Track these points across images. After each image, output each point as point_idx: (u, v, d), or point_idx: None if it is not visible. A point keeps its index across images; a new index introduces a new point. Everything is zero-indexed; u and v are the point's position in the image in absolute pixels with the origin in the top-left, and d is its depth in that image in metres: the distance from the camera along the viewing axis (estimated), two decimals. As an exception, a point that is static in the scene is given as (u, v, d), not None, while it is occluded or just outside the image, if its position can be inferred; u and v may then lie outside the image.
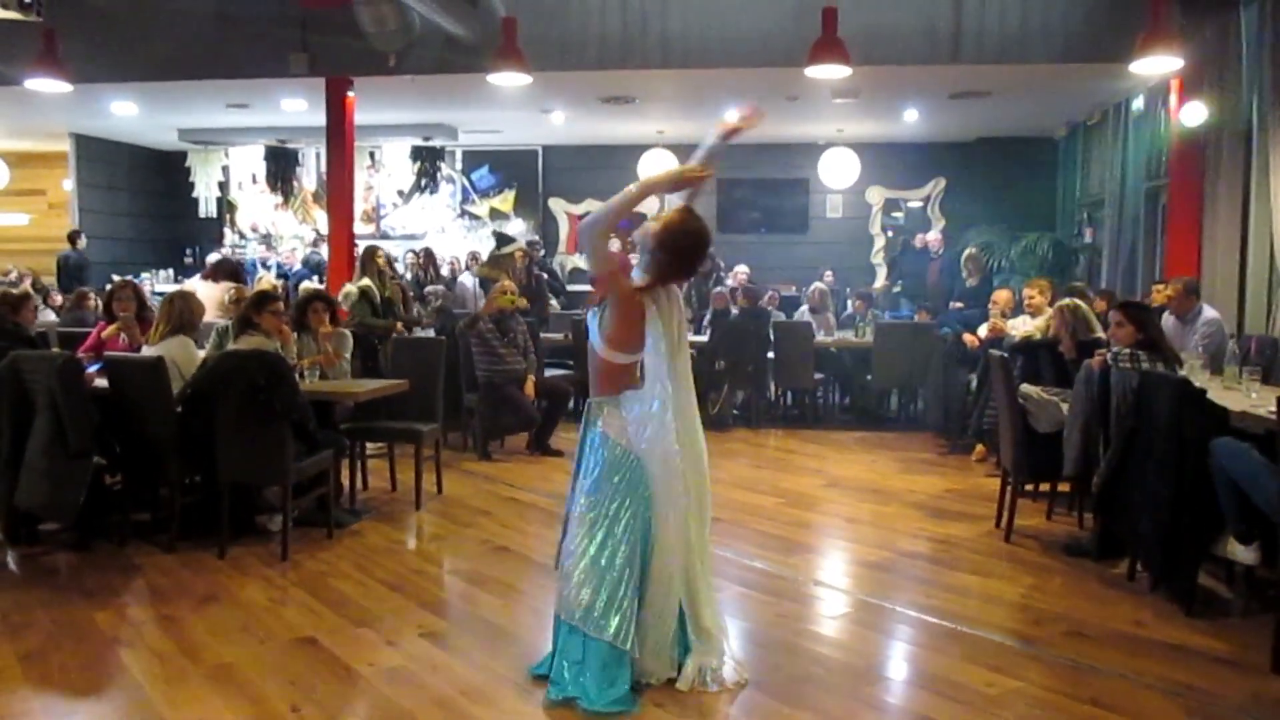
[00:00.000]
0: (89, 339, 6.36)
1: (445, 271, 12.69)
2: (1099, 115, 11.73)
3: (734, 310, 10.01)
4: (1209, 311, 7.10)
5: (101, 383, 5.35)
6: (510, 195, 15.30)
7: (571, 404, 8.29)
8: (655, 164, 13.75)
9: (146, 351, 5.50)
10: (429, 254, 12.38)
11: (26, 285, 11.53)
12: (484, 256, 12.47)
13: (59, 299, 11.33)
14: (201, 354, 5.67)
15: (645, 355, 3.52)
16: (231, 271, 9.09)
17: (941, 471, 7.45)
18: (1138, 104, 10.51)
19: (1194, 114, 8.48)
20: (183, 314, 5.57)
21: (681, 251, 3.58)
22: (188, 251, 15.49)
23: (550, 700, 3.44)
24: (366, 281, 8.06)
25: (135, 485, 5.53)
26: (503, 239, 10.77)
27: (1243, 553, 4.09)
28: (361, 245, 9.42)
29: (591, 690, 3.39)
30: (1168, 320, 7.18)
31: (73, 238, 13.47)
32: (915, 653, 4.08)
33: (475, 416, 7.97)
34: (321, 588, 4.71)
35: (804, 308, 10.67)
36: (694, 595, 3.59)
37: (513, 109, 11.91)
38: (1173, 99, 8.90)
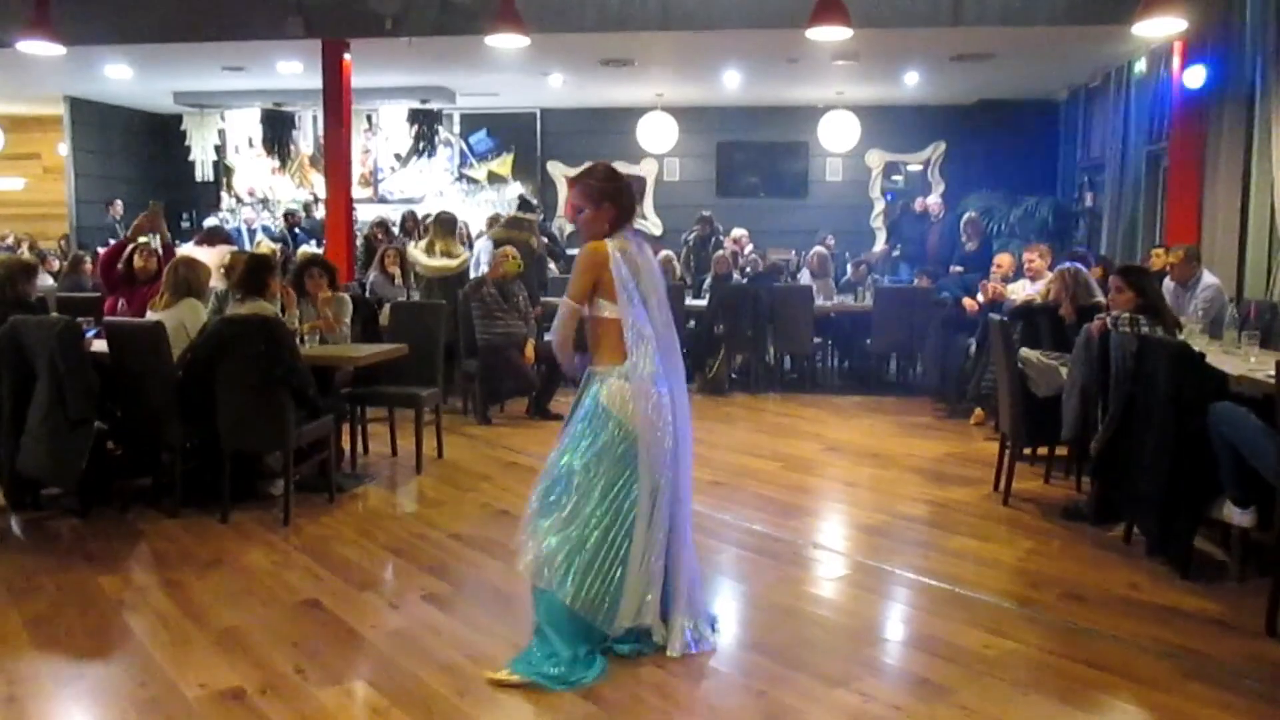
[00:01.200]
0: (111, 248, 6.40)
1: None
2: (1101, 78, 11.65)
3: (736, 275, 10.03)
4: (1209, 277, 7.10)
5: (100, 347, 5.35)
6: (508, 159, 15.21)
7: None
8: (654, 127, 13.71)
9: (152, 317, 5.50)
10: (414, 218, 12.35)
11: (24, 251, 11.51)
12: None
13: (55, 264, 11.30)
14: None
15: (624, 311, 3.46)
16: (225, 237, 9.10)
17: (940, 436, 7.48)
18: (1140, 67, 10.43)
19: (1197, 77, 8.43)
20: (189, 279, 5.55)
21: (621, 190, 3.61)
22: (184, 216, 15.43)
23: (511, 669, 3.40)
24: None
25: (136, 451, 5.54)
26: (526, 204, 10.75)
27: (1239, 516, 4.11)
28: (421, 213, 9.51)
29: (535, 653, 3.41)
30: (1168, 286, 7.18)
31: (109, 203, 13.57)
32: (913, 615, 4.12)
33: (475, 381, 7.98)
34: (324, 552, 4.74)
35: (804, 272, 10.66)
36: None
37: (511, 72, 11.81)
38: (1175, 62, 8.84)
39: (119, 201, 13.80)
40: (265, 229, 14.45)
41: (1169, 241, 8.46)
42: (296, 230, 13.79)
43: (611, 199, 3.59)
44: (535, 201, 14.03)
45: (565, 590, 3.39)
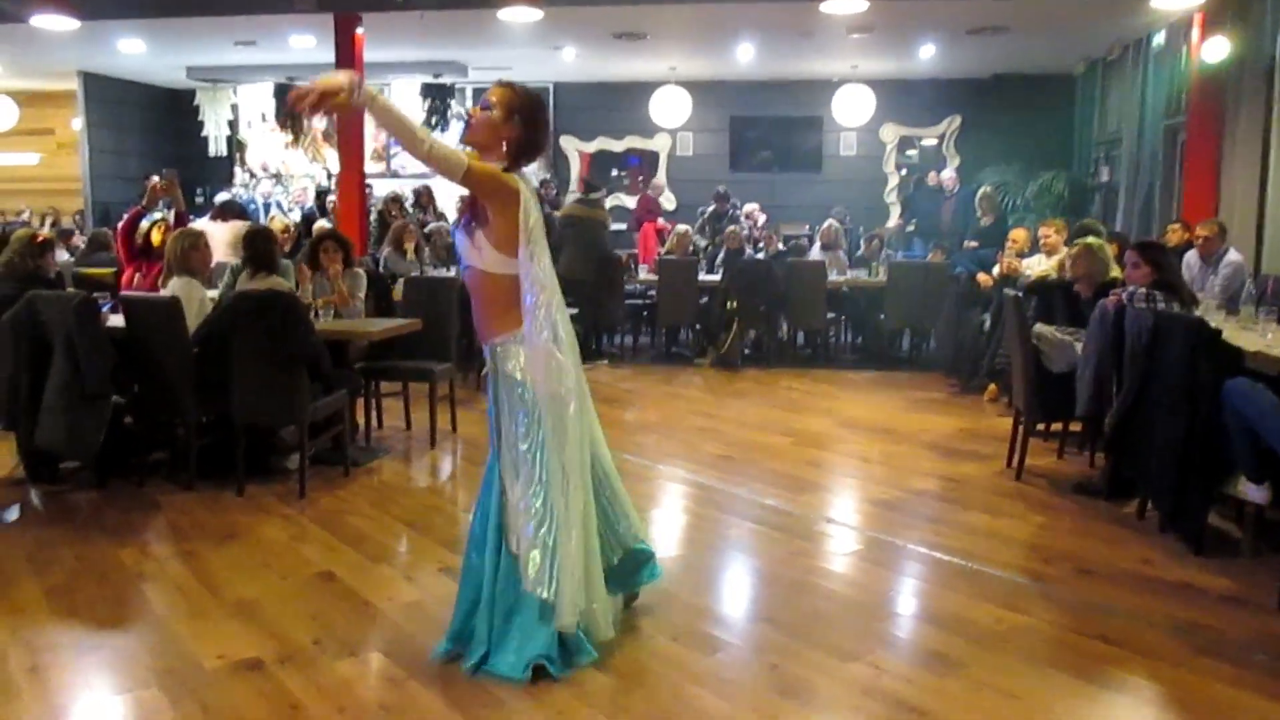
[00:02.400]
0: (129, 216, 6.52)
1: None
2: (1118, 51, 11.54)
3: (748, 252, 10.01)
4: (1233, 254, 7.06)
5: (117, 322, 5.38)
6: (521, 133, 15.16)
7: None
8: (667, 101, 13.64)
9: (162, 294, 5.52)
10: (428, 193, 12.37)
11: (46, 229, 11.54)
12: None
13: (76, 239, 11.35)
14: (213, 294, 5.69)
15: (525, 265, 3.16)
16: (238, 211, 9.12)
17: (953, 411, 7.47)
18: (1158, 40, 10.33)
19: (1216, 50, 8.34)
20: (181, 256, 5.48)
21: (538, 119, 3.29)
22: (198, 191, 15.44)
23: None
24: None
25: (151, 425, 5.59)
26: (592, 187, 10.83)
27: (1253, 493, 4.10)
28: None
29: (509, 653, 3.19)
30: (1192, 260, 7.14)
31: (147, 177, 13.61)
32: (925, 589, 4.13)
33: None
34: (339, 525, 4.78)
35: (815, 245, 10.62)
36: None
37: (523, 46, 11.77)
38: (1194, 34, 8.75)
39: (154, 178, 13.77)
40: (278, 204, 14.42)
41: (1186, 216, 8.41)
42: (327, 206, 13.73)
43: (524, 118, 3.23)
44: (548, 175, 14.01)
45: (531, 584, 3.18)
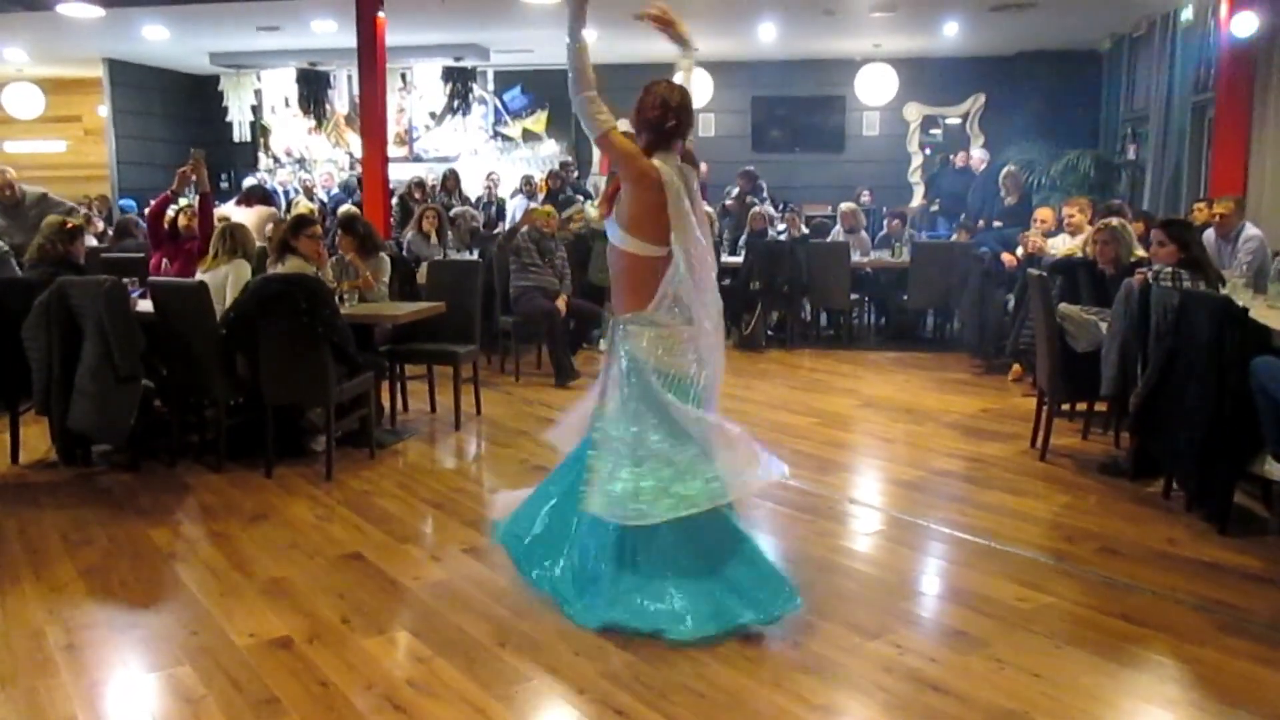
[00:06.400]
0: (158, 200, 6.61)
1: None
2: (1145, 26, 11.39)
3: (772, 233, 9.99)
4: (1251, 229, 6.98)
5: (146, 306, 5.45)
6: (543, 116, 15.17)
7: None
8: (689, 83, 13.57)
9: (200, 278, 5.58)
10: (454, 176, 12.42)
11: (80, 218, 11.64)
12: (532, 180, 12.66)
13: (100, 225, 11.46)
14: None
15: (674, 245, 3.38)
16: (264, 197, 9.19)
17: (977, 391, 7.45)
18: (1186, 14, 10.19)
19: (1245, 25, 8.22)
20: (239, 243, 5.67)
21: (651, 121, 3.66)
22: (223, 176, 15.55)
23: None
24: None
25: (181, 408, 5.66)
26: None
27: (1280, 471, 4.09)
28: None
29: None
30: (1209, 238, 7.07)
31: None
32: (948, 568, 4.13)
33: (511, 337, 8.08)
34: (366, 506, 4.84)
35: (836, 229, 10.58)
36: None
37: (544, 27, 11.72)
38: (1223, 9, 8.63)
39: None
40: (294, 189, 14.46)
41: (1214, 194, 8.31)
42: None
43: (648, 128, 3.63)
44: (570, 158, 14.02)
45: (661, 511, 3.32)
